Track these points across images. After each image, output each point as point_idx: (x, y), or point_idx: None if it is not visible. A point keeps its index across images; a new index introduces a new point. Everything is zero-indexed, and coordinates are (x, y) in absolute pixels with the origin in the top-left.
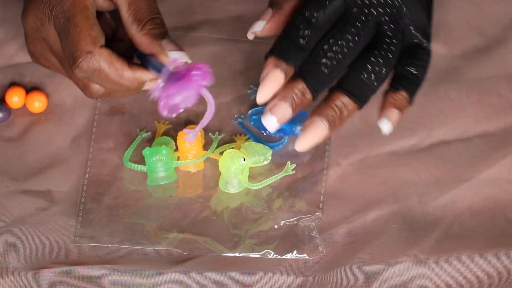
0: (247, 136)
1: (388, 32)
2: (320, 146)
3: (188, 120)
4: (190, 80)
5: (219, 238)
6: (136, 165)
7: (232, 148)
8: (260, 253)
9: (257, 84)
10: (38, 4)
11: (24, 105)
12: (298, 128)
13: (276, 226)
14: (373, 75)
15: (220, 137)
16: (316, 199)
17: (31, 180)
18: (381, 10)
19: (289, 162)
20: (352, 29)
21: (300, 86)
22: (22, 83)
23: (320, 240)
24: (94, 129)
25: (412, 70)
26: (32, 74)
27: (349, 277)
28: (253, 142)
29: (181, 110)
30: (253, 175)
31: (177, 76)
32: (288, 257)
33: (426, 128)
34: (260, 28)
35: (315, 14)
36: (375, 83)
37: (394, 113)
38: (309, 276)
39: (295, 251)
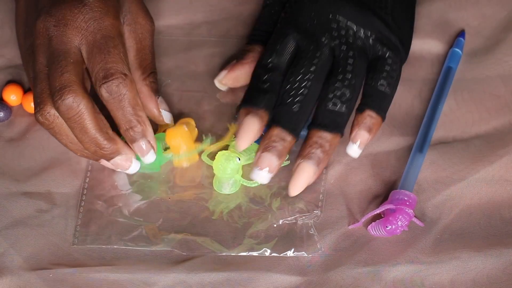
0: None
1: (342, 54)
2: None
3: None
4: (405, 213)
5: (218, 238)
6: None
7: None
8: (259, 251)
9: None
10: (70, 7)
11: (21, 104)
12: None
13: (275, 225)
14: (338, 101)
15: (211, 138)
16: (315, 197)
17: (32, 181)
18: (329, 36)
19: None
20: (305, 62)
21: (276, 131)
22: (20, 83)
23: (318, 237)
24: None
25: (376, 86)
26: None
27: (349, 277)
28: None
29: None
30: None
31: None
32: (287, 255)
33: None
34: (221, 77)
35: (270, 59)
36: (343, 109)
37: (360, 136)
38: (309, 276)
39: (293, 249)
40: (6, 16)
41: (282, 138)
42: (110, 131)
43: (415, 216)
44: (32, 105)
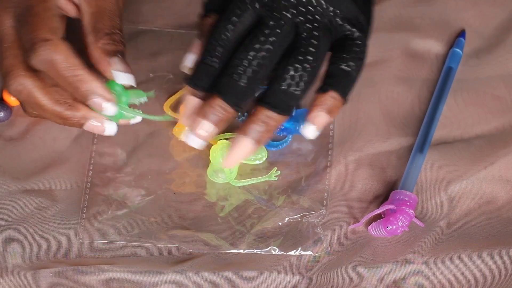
0: None
1: (305, 33)
2: (323, 145)
3: None
4: (405, 213)
5: (223, 235)
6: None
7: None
8: (265, 250)
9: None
10: None
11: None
12: (302, 126)
13: (280, 223)
14: (293, 83)
15: (153, 92)
16: (320, 196)
17: (33, 179)
18: (294, 11)
19: (275, 168)
20: (262, 38)
21: (218, 101)
22: None
23: (324, 236)
24: None
25: (343, 67)
26: None
27: (349, 277)
28: None
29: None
30: (246, 172)
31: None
32: (293, 253)
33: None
34: (190, 62)
35: (224, 32)
36: (297, 91)
37: (320, 117)
38: (309, 276)
39: (299, 248)
40: None
41: (223, 109)
42: (70, 100)
43: (415, 217)
44: None
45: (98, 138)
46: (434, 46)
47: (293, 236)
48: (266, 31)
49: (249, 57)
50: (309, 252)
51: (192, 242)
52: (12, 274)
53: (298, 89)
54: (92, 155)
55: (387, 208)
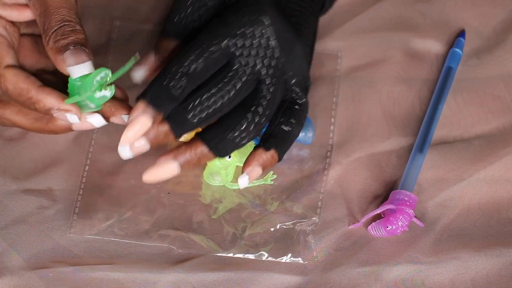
0: None
1: (265, 91)
2: (321, 152)
3: None
4: (405, 213)
5: (214, 238)
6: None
7: None
8: (255, 255)
9: None
10: None
11: None
12: (302, 134)
13: (272, 229)
14: (241, 134)
15: (135, 57)
16: (314, 203)
17: (32, 179)
18: (265, 64)
19: (271, 172)
20: (228, 87)
21: (165, 127)
22: None
23: (315, 245)
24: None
25: (285, 128)
26: None
27: (349, 277)
28: (248, 143)
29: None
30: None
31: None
32: (283, 260)
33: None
34: (141, 77)
35: (193, 65)
36: (241, 142)
37: (256, 171)
38: (309, 276)
39: (289, 255)
40: None
41: (166, 135)
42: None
43: (415, 216)
44: None
45: (96, 136)
46: (434, 46)
47: (284, 242)
48: (234, 79)
49: (211, 102)
50: (299, 259)
51: (183, 243)
52: (12, 274)
53: (244, 141)
54: (90, 149)
55: (387, 208)
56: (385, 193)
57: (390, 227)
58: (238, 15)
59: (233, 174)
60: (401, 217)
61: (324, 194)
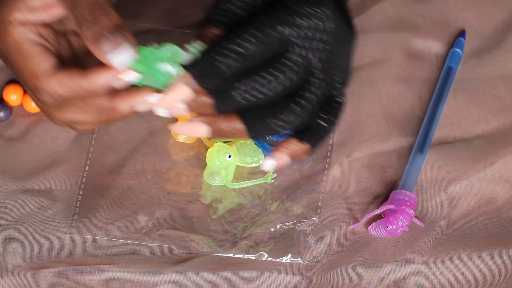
0: None
1: (314, 85)
2: (322, 152)
3: None
4: (405, 213)
5: (214, 238)
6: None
7: (230, 142)
8: (255, 255)
9: None
10: None
11: (22, 104)
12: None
13: (272, 229)
14: (280, 122)
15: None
16: (314, 203)
17: (33, 179)
18: (319, 57)
19: (271, 170)
20: (281, 76)
21: (207, 99)
22: (21, 83)
23: (315, 245)
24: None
25: (323, 124)
26: None
27: (349, 277)
28: (248, 142)
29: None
30: (242, 176)
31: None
32: (283, 260)
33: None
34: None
35: (247, 44)
36: (277, 129)
37: (284, 159)
38: (309, 276)
39: (289, 255)
40: None
41: (206, 106)
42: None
43: (415, 217)
44: (33, 104)
45: (96, 136)
46: (434, 46)
47: (284, 242)
48: (288, 68)
49: (259, 86)
50: (299, 259)
51: (183, 243)
52: (12, 274)
53: (281, 129)
54: (90, 149)
55: (387, 208)
56: (385, 193)
57: (391, 227)
58: (304, 6)
59: (233, 174)
60: (401, 217)
61: (324, 194)
